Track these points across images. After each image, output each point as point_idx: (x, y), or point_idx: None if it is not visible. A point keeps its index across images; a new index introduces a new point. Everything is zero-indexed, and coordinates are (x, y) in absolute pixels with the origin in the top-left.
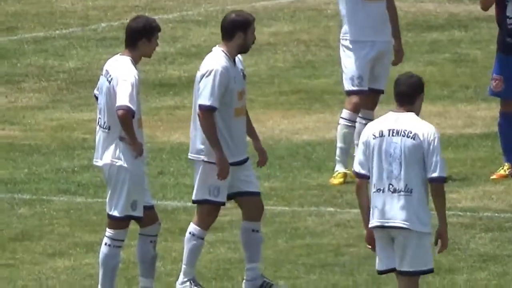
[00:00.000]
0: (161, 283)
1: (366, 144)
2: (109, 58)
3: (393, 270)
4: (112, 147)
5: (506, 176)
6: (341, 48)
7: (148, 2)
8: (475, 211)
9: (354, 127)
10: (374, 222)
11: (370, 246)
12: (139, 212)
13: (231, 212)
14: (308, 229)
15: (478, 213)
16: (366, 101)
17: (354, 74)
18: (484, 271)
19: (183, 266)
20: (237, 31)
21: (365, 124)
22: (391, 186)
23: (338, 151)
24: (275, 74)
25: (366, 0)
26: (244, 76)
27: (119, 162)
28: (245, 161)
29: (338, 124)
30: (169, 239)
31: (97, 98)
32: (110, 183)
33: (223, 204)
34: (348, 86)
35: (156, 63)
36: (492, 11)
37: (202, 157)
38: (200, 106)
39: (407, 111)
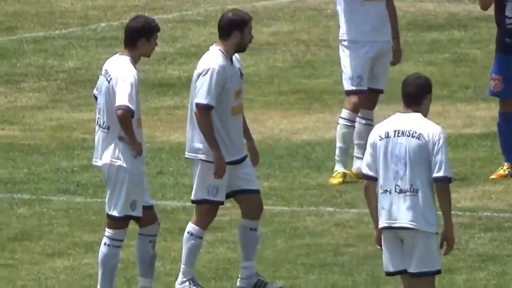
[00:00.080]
0: (160, 283)
1: (373, 146)
2: (108, 58)
3: (402, 271)
4: (112, 147)
5: (505, 176)
6: (341, 48)
7: (147, 2)
8: (474, 211)
9: (354, 127)
10: (382, 223)
11: (380, 247)
12: (138, 212)
13: (230, 212)
14: (307, 229)
15: (478, 213)
16: (366, 101)
17: (354, 74)
18: (483, 271)
19: (182, 266)
20: (234, 30)
21: (365, 124)
22: (397, 187)
23: (337, 151)
24: (274, 74)
25: (365, 0)
26: (241, 75)
27: (119, 162)
28: (243, 159)
29: (338, 124)
30: (168, 239)
31: (96, 98)
32: (109, 183)
33: (222, 203)
34: (347, 86)
35: (156, 63)
36: (492, 10)
37: (200, 156)
38: (197, 105)
39: (414, 112)
